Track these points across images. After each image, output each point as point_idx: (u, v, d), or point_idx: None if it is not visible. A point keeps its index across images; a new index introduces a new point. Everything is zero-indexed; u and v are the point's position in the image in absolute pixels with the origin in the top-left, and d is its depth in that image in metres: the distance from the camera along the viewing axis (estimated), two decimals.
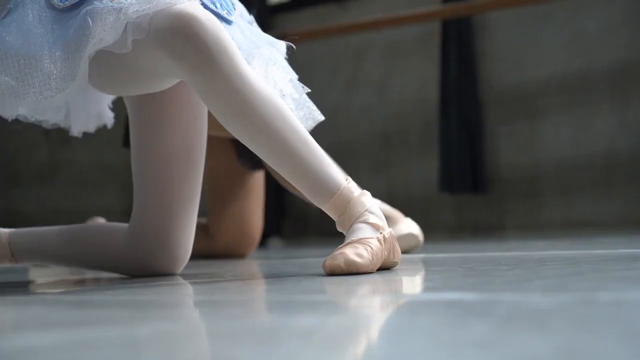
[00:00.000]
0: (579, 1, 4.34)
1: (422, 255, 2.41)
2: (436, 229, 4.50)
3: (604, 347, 0.76)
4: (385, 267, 1.77)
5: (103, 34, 1.68)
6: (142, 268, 1.99)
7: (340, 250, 1.68)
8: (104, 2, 1.71)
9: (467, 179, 4.46)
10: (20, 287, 1.74)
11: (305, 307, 1.24)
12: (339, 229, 1.77)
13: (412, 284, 1.47)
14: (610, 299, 1.10)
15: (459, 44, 4.54)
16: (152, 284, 1.71)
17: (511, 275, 1.48)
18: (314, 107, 1.98)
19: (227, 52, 1.70)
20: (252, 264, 2.59)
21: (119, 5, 1.70)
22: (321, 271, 1.75)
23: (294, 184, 1.76)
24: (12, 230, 2.07)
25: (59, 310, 1.36)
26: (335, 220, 1.77)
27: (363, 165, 4.87)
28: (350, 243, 1.69)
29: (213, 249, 3.11)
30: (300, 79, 1.98)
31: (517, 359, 0.73)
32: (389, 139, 4.83)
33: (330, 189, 1.74)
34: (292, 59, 1.99)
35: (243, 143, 1.75)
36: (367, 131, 4.90)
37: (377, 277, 1.65)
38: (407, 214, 5.00)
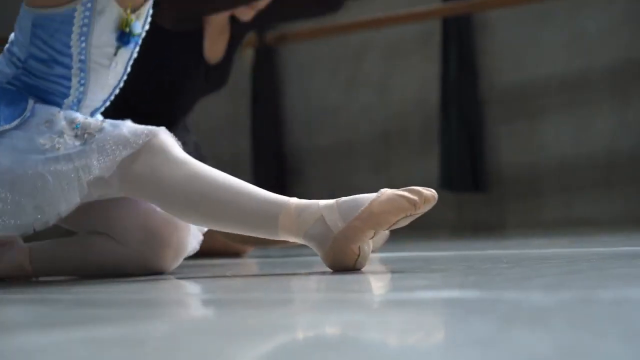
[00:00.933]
0: (579, 1, 4.34)
1: (422, 254, 2.41)
2: (437, 227, 4.50)
3: (604, 345, 0.76)
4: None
5: (67, 201, 1.73)
6: (144, 267, 1.98)
7: (395, 195, 1.65)
8: (49, 150, 1.74)
9: (467, 178, 4.46)
10: (21, 286, 1.74)
11: (307, 305, 1.24)
12: (305, 241, 1.70)
13: (413, 282, 1.47)
14: (610, 297, 1.10)
15: (459, 43, 4.54)
16: (153, 282, 1.71)
17: (511, 274, 1.48)
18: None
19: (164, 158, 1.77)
20: (253, 263, 2.59)
21: (67, 152, 1.74)
22: (321, 269, 1.75)
23: (244, 232, 1.75)
24: (32, 243, 2.07)
25: (60, 309, 1.36)
26: (297, 238, 1.70)
27: (363, 165, 4.87)
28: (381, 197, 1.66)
29: (213, 246, 3.11)
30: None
31: (517, 357, 0.73)
32: (389, 139, 4.82)
33: (275, 212, 1.69)
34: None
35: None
36: (367, 131, 4.90)
37: (378, 275, 1.65)
38: None
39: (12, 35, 1.92)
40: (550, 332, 0.83)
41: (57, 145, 1.75)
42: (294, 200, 1.71)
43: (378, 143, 4.85)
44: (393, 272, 1.70)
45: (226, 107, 5.10)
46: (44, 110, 1.83)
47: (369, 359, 0.78)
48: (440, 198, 1.74)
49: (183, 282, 1.73)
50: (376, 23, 4.60)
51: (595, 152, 4.28)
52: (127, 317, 1.18)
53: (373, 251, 2.17)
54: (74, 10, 1.82)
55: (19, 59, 1.88)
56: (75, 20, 1.82)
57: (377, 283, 1.54)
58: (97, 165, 1.73)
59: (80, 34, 1.84)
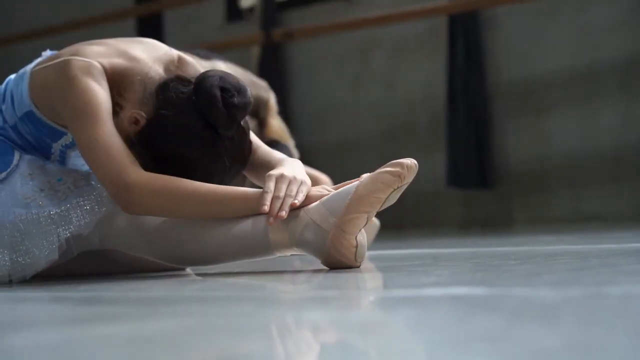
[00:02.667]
0: None
1: (431, 251, 2.42)
2: (445, 224, 4.50)
3: (613, 341, 0.76)
4: None
5: (46, 257, 1.74)
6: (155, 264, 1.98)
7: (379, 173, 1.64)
8: (31, 204, 1.76)
9: (475, 174, 4.46)
10: (29, 283, 1.74)
11: (315, 302, 1.24)
12: (302, 249, 1.69)
13: (421, 279, 1.47)
14: (619, 293, 1.10)
15: (466, 39, 4.53)
16: (160, 280, 1.71)
17: (520, 270, 1.48)
18: None
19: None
20: (259, 260, 2.59)
21: (47, 209, 1.75)
22: (324, 267, 1.75)
23: (239, 259, 1.76)
24: None
25: (68, 306, 1.36)
26: (290, 249, 1.69)
27: (370, 161, 4.86)
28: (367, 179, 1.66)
29: None
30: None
31: (526, 353, 0.73)
32: (396, 135, 4.82)
33: (263, 228, 1.68)
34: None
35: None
36: (374, 127, 4.90)
37: (387, 272, 1.65)
38: (415, 209, 5.00)
39: (6, 82, 1.90)
40: (559, 328, 0.83)
41: (38, 200, 1.77)
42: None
43: (385, 139, 4.85)
44: (401, 269, 1.70)
45: None
46: (28, 161, 1.83)
47: (378, 356, 0.78)
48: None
49: (191, 280, 1.73)
50: (383, 19, 4.60)
51: (602, 148, 4.28)
52: (136, 314, 1.18)
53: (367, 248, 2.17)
54: (65, 133, 1.85)
55: (5, 120, 1.87)
56: (62, 139, 1.86)
57: (385, 280, 1.54)
58: (76, 223, 1.75)
59: (63, 145, 1.88)
